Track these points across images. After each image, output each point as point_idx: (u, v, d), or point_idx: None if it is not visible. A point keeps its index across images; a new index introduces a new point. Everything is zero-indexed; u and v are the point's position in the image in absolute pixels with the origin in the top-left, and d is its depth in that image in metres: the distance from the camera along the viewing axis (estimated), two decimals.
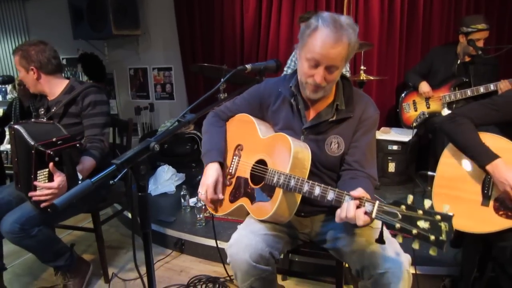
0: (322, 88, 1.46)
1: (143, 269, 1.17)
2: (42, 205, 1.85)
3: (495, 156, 1.63)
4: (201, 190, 1.63)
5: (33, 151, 1.79)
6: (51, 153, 1.78)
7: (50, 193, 1.82)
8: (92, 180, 0.92)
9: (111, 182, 0.95)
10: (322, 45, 1.36)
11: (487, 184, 1.68)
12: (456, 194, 1.74)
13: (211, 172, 1.64)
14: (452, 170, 1.78)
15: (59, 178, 1.83)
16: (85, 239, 2.98)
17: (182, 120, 1.13)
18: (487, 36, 3.07)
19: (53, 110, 2.14)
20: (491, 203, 1.67)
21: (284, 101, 1.64)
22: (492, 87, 2.94)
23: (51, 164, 1.79)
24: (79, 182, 1.92)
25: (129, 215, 3.12)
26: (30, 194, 1.85)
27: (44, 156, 1.79)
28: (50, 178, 1.84)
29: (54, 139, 1.85)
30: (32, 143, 1.80)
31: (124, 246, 2.89)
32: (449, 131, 1.77)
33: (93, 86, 2.21)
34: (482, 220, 1.66)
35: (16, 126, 1.91)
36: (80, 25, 4.74)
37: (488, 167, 1.63)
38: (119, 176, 0.96)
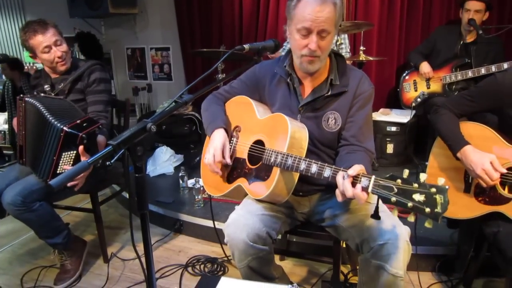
0: (318, 58, 1.46)
1: (141, 250, 1.18)
2: (76, 188, 1.91)
3: (464, 143, 1.65)
4: (208, 154, 1.59)
5: (62, 134, 1.79)
6: (84, 135, 1.80)
7: (80, 176, 1.85)
8: (89, 161, 0.92)
9: (107, 163, 0.95)
10: (309, 11, 1.37)
11: (467, 170, 1.70)
12: None
13: (217, 136, 1.62)
14: (441, 159, 1.82)
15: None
16: (84, 219, 3.01)
17: (179, 101, 1.12)
18: (479, 8, 3.00)
19: (60, 86, 2.17)
20: (472, 189, 1.70)
21: (280, 81, 1.65)
22: (493, 68, 2.90)
23: (81, 147, 1.81)
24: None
25: (128, 196, 3.13)
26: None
27: (75, 139, 1.80)
28: (77, 160, 1.85)
29: (78, 121, 1.85)
30: (60, 125, 1.79)
31: (123, 227, 2.91)
32: (432, 122, 1.80)
33: (98, 64, 2.26)
34: (464, 206, 1.71)
35: (28, 99, 1.91)
36: (77, 3, 4.66)
37: (458, 155, 1.66)
38: (115, 157, 0.95)
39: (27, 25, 2.10)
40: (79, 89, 2.21)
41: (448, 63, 3.21)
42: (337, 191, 1.26)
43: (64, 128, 1.79)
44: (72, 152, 1.84)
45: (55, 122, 1.81)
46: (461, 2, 3.10)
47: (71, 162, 1.86)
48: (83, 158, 1.83)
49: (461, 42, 3.20)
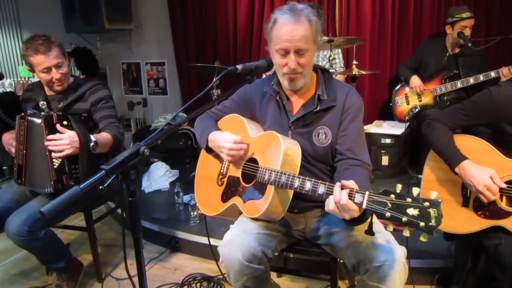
0: (299, 74, 1.50)
1: (136, 268, 1.16)
2: (53, 155, 1.90)
3: (462, 158, 1.64)
4: (225, 149, 1.58)
5: (42, 124, 1.84)
6: (59, 113, 1.88)
7: (60, 144, 1.86)
8: (81, 186, 0.91)
9: (100, 187, 0.94)
10: (284, 32, 1.43)
11: (466, 185, 1.69)
12: (440, 196, 1.76)
13: (216, 135, 1.65)
14: (436, 173, 1.81)
15: (69, 132, 1.88)
16: (78, 237, 2.97)
17: (172, 123, 1.12)
18: (473, 24, 3.10)
19: (59, 105, 2.11)
20: (471, 203, 1.70)
21: (269, 100, 1.68)
22: (481, 77, 2.97)
23: (58, 125, 1.86)
24: (92, 144, 1.95)
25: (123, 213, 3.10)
26: (47, 144, 1.88)
27: (52, 120, 1.87)
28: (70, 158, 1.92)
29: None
30: (40, 119, 1.85)
31: (118, 244, 2.88)
32: (426, 136, 1.80)
33: (100, 83, 2.25)
34: (463, 220, 1.70)
35: (29, 118, 1.91)
36: (72, 18, 4.69)
37: (456, 170, 1.66)
38: (108, 182, 0.95)
39: (30, 40, 2.01)
40: (79, 110, 2.15)
41: (437, 75, 3.27)
42: (329, 198, 1.26)
43: (42, 118, 1.85)
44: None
45: (38, 120, 1.86)
46: (452, 20, 3.13)
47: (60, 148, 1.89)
48: (63, 132, 1.88)
49: (448, 53, 3.28)
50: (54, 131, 1.89)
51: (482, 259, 1.86)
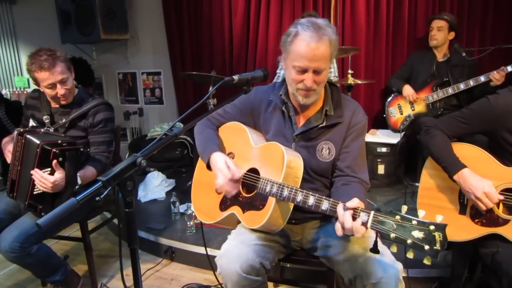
0: (313, 91, 1.49)
1: (132, 279, 1.15)
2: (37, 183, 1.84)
3: (461, 166, 1.66)
4: (218, 179, 1.54)
5: (38, 150, 1.80)
6: (56, 151, 1.81)
7: (44, 184, 1.81)
8: (77, 198, 0.91)
9: (97, 199, 0.94)
10: (306, 50, 1.40)
11: (463, 193, 1.70)
12: (437, 204, 1.79)
13: (216, 158, 1.58)
14: (433, 180, 1.82)
15: (58, 176, 1.82)
16: (73, 248, 2.94)
17: (169, 134, 1.12)
18: (440, 26, 3.25)
19: (61, 121, 2.10)
20: (468, 211, 1.70)
21: (275, 109, 1.66)
22: (472, 82, 3.05)
23: (54, 162, 1.81)
24: (76, 187, 1.91)
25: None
26: (32, 172, 1.83)
27: (49, 154, 1.81)
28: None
29: (59, 141, 1.87)
30: (38, 141, 1.81)
31: (114, 255, 2.86)
32: (424, 144, 1.82)
33: (104, 103, 2.22)
34: (460, 228, 1.70)
35: (28, 136, 1.89)
36: (68, 29, 4.70)
37: (455, 177, 1.67)
38: (104, 193, 0.94)
39: (35, 54, 1.97)
40: (80, 126, 2.15)
41: (428, 84, 3.34)
42: (337, 224, 1.26)
43: (40, 143, 1.80)
44: (46, 170, 1.84)
45: (36, 140, 1.82)
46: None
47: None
48: (57, 172, 1.82)
49: (436, 61, 3.37)
50: (46, 162, 1.84)
51: (479, 269, 1.87)
